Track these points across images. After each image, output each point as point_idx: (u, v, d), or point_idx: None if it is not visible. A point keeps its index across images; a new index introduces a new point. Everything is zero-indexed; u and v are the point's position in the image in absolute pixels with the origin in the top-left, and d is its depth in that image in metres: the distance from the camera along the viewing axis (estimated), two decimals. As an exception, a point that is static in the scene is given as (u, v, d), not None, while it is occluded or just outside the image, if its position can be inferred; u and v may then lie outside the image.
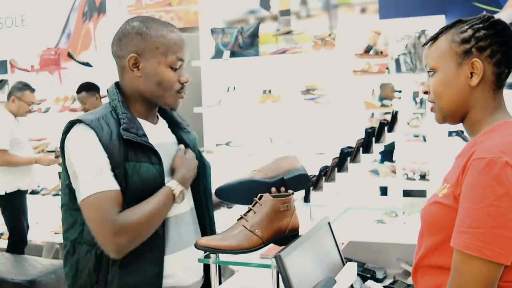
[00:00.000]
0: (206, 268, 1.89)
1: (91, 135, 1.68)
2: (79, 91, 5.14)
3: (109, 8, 6.11)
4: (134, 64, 1.76)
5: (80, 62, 6.08)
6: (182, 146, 1.89)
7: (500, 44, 1.47)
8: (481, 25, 1.48)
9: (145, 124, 1.82)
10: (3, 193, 5.07)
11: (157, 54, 1.75)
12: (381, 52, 4.78)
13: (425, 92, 1.58)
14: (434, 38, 1.55)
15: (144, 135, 1.76)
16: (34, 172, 5.37)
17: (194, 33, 5.54)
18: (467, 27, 1.49)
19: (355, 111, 4.87)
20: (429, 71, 1.55)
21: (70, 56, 6.12)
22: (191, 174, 1.84)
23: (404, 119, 4.56)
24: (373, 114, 5.02)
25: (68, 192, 1.75)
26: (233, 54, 5.18)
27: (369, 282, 2.22)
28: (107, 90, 1.85)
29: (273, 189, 1.85)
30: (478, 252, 1.31)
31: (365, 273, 2.37)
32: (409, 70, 4.56)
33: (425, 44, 1.59)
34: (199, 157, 1.94)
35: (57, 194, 6.05)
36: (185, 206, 1.88)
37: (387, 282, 2.41)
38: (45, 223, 6.13)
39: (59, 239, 6.03)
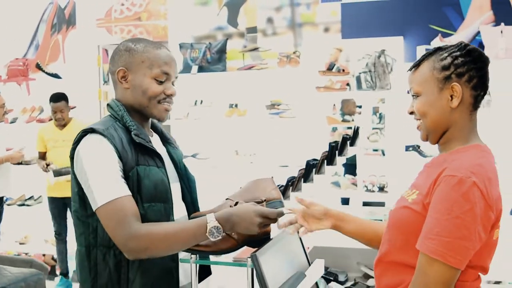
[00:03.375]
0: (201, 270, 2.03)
1: (105, 143, 1.79)
2: (57, 100, 5.13)
3: (78, 21, 6.21)
4: (122, 77, 1.90)
5: (48, 74, 6.14)
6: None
7: (476, 70, 1.63)
8: (458, 53, 1.65)
9: None
10: None
11: (143, 67, 1.89)
12: (343, 70, 5.02)
13: (411, 113, 1.75)
14: (417, 65, 1.71)
15: (150, 141, 1.91)
16: (10, 179, 5.37)
17: (163, 48, 5.67)
18: (446, 54, 1.66)
19: (318, 125, 5.09)
20: (413, 95, 1.71)
21: (38, 67, 6.18)
22: (238, 218, 1.75)
23: (365, 134, 4.80)
24: (335, 128, 5.25)
25: (78, 200, 1.83)
26: (201, 69, 5.35)
27: (332, 284, 2.40)
28: (108, 105, 1.96)
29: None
30: (442, 258, 1.48)
31: (328, 276, 2.55)
32: (369, 87, 4.80)
33: (409, 70, 1.76)
34: (184, 171, 2.08)
35: (23, 204, 6.08)
36: (181, 214, 2.00)
37: (348, 284, 2.59)
38: (10, 234, 6.13)
39: (24, 249, 6.06)
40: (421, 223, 1.58)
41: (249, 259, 1.66)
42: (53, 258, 6.01)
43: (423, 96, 1.67)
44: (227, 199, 1.90)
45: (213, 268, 2.05)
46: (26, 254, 6.06)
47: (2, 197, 5.36)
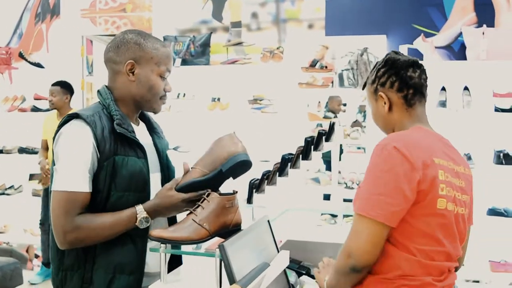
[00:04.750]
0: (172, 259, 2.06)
1: (86, 132, 1.86)
2: (54, 84, 5.32)
3: (63, 11, 6.17)
4: (130, 70, 1.96)
5: (31, 63, 6.11)
6: (174, 182, 1.95)
7: (395, 75, 1.87)
8: (380, 65, 1.92)
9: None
10: None
11: (151, 63, 1.97)
12: (326, 67, 5.04)
13: None
14: (365, 83, 1.99)
15: (133, 131, 1.96)
16: None
17: (147, 40, 5.66)
18: (374, 70, 1.95)
19: (299, 121, 5.11)
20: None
21: (21, 56, 6.15)
22: (164, 209, 1.90)
23: (347, 131, 4.82)
24: (320, 124, 5.26)
25: (52, 177, 1.92)
26: (184, 62, 5.34)
27: (304, 277, 2.43)
28: (98, 91, 2.02)
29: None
30: (366, 213, 1.66)
31: (300, 270, 2.57)
32: (351, 85, 4.83)
33: (362, 89, 2.03)
34: (166, 160, 2.14)
35: (3, 193, 6.06)
36: None
37: (320, 278, 2.60)
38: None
39: (4, 238, 6.04)
40: None
41: (217, 249, 1.67)
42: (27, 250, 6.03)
43: (370, 108, 1.97)
44: (192, 167, 1.94)
45: (184, 258, 2.07)
46: (7, 243, 6.05)
47: None
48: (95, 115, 1.91)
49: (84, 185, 1.84)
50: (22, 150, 6.00)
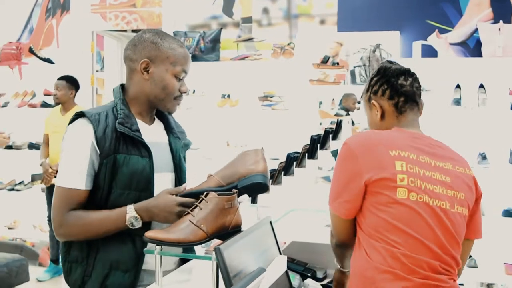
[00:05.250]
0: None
1: (87, 130, 1.89)
2: (60, 78, 5.27)
3: (73, 6, 6.14)
4: (145, 68, 1.97)
5: (41, 58, 6.09)
6: (181, 188, 1.93)
7: (386, 83, 1.92)
8: (373, 76, 1.97)
9: (140, 124, 2.00)
10: None
11: (166, 62, 1.97)
12: (337, 63, 4.94)
13: None
14: (363, 93, 2.03)
15: (137, 131, 1.95)
16: None
17: (156, 35, 5.61)
18: (368, 80, 2.00)
19: (310, 118, 5.02)
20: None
21: (31, 51, 6.13)
22: (156, 209, 1.86)
23: (359, 129, 4.73)
24: (333, 122, 5.15)
25: None
26: (194, 58, 5.26)
27: (308, 280, 2.34)
28: (113, 89, 2.05)
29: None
30: (330, 206, 1.86)
31: (306, 272, 2.49)
32: (363, 82, 4.74)
33: (360, 99, 2.12)
34: (179, 161, 2.11)
35: (12, 189, 6.04)
36: None
37: (326, 281, 2.53)
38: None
39: (13, 234, 6.03)
40: None
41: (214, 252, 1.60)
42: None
43: (366, 115, 2.02)
44: (211, 175, 1.93)
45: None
46: (19, 239, 6.04)
47: None
48: (102, 113, 1.93)
49: (80, 183, 1.88)
50: (32, 146, 5.99)
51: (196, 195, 1.84)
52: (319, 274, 2.53)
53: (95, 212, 1.89)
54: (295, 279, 2.26)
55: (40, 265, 5.83)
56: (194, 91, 5.48)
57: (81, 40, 6.00)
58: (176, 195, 1.88)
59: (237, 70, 5.36)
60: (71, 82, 5.28)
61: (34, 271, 5.19)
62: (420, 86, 1.96)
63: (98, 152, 1.88)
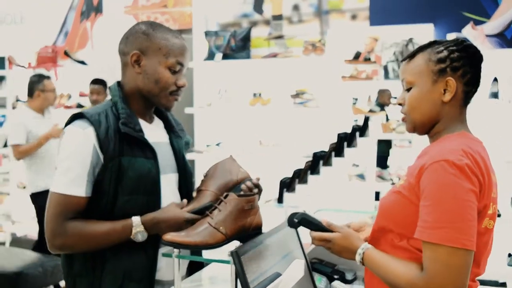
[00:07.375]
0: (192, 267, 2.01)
1: (87, 132, 1.76)
2: (95, 82, 5.32)
3: (106, 8, 6.20)
4: (136, 61, 1.83)
5: (75, 60, 6.16)
6: (185, 201, 1.88)
7: (471, 66, 1.61)
8: (455, 48, 1.62)
9: (142, 123, 1.89)
10: (36, 192, 4.91)
11: (159, 54, 1.82)
12: (369, 59, 4.85)
13: (400, 104, 1.70)
14: (412, 55, 1.67)
15: (141, 131, 1.84)
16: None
17: (188, 35, 5.63)
18: (443, 48, 1.62)
19: (343, 115, 4.94)
20: (406, 86, 1.67)
21: (66, 54, 6.21)
22: (164, 224, 1.78)
23: (392, 125, 4.62)
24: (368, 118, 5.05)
25: None
26: (225, 57, 5.27)
27: (336, 283, 2.28)
28: (109, 87, 1.92)
29: (243, 186, 1.91)
30: (461, 244, 1.41)
31: (334, 274, 2.43)
32: (396, 77, 4.64)
33: (402, 60, 1.70)
34: (182, 161, 2.01)
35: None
36: None
37: (356, 283, 2.46)
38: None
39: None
40: (407, 206, 1.55)
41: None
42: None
43: (416, 87, 1.64)
44: (199, 189, 1.87)
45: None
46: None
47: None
48: (101, 114, 1.81)
49: (79, 189, 1.75)
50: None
51: (202, 211, 1.79)
52: (348, 276, 2.46)
53: (97, 223, 1.76)
54: (322, 281, 2.21)
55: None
56: (226, 90, 5.47)
57: (115, 41, 6.03)
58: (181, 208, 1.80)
59: (268, 68, 5.32)
60: (105, 85, 5.35)
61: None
62: None
63: (101, 155, 1.75)
